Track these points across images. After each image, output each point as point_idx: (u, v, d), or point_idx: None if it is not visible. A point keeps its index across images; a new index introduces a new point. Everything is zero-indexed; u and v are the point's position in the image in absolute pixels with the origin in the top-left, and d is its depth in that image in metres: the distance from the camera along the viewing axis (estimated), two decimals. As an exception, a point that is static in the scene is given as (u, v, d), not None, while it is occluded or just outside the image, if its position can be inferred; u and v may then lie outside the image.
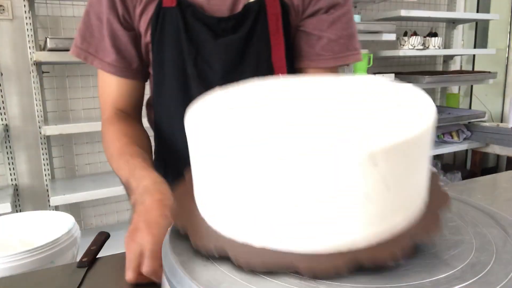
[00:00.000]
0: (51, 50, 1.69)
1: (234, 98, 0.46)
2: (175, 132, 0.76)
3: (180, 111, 0.74)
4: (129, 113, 0.80)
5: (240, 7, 0.72)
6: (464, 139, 2.86)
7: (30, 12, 1.77)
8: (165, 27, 0.72)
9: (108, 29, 0.74)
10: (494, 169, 3.28)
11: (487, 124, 2.90)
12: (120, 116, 0.78)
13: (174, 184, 0.79)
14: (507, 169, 3.13)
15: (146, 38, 0.75)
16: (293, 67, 0.78)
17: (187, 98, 0.73)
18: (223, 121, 0.39)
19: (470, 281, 0.31)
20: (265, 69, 0.73)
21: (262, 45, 0.73)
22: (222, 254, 0.35)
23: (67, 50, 1.70)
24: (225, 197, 0.38)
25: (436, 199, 0.40)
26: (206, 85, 0.71)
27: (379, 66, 2.82)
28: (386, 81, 0.48)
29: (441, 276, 0.32)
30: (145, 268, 0.46)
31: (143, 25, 0.74)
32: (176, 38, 0.72)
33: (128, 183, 0.61)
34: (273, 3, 0.72)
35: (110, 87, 0.78)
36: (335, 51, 0.77)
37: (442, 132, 2.81)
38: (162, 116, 0.78)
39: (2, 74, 1.85)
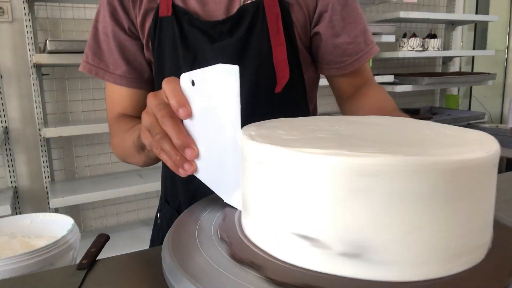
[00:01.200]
0: (50, 52, 1.69)
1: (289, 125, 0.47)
2: None
3: None
4: None
5: (235, 9, 0.71)
6: (464, 140, 2.85)
7: (29, 14, 1.77)
8: (163, 37, 0.71)
9: (115, 41, 0.74)
10: (494, 170, 3.27)
11: (486, 125, 2.90)
12: (129, 115, 0.78)
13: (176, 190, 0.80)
14: (506, 170, 3.13)
15: (149, 50, 0.74)
16: (299, 68, 0.76)
17: None
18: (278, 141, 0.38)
19: None
20: (267, 72, 0.71)
21: (262, 47, 0.70)
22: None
23: (67, 52, 1.71)
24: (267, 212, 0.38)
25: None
26: None
27: (378, 68, 2.83)
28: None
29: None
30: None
31: (144, 36, 0.74)
32: (173, 47, 0.71)
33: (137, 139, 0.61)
34: (272, 3, 0.70)
35: (121, 98, 0.78)
36: (355, 52, 0.76)
37: (442, 134, 2.81)
38: None
39: (1, 77, 1.85)
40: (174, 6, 0.70)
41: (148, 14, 0.72)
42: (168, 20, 0.70)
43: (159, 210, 0.86)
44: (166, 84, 0.47)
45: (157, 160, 0.67)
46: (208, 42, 0.69)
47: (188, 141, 0.47)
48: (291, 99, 0.74)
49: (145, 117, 0.50)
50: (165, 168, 0.84)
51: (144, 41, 0.74)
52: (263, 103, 0.72)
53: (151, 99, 0.49)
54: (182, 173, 0.49)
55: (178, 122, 0.47)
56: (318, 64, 0.80)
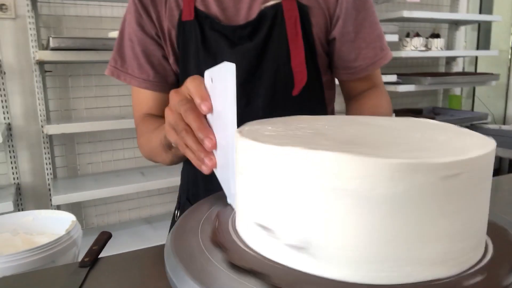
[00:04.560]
0: (53, 49, 1.69)
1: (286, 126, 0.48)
2: None
3: None
4: None
5: (255, 13, 0.72)
6: (466, 140, 2.84)
7: (33, 11, 1.77)
8: (186, 40, 0.73)
9: (141, 47, 0.76)
10: (496, 172, 3.27)
11: (489, 126, 2.89)
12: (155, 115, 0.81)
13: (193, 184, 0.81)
14: (509, 172, 3.12)
15: (174, 54, 0.76)
16: (317, 71, 0.76)
17: None
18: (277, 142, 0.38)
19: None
20: (285, 75, 0.72)
21: (281, 50, 0.71)
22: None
23: (70, 49, 1.71)
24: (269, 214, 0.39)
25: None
26: None
27: (381, 67, 2.82)
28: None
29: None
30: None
31: (169, 41, 0.76)
32: (195, 50, 0.73)
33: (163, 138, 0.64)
34: (290, 7, 0.70)
35: (147, 100, 0.80)
36: (370, 57, 0.77)
37: (444, 134, 2.80)
38: None
39: (5, 73, 1.86)
40: (196, 10, 0.72)
41: (172, 20, 0.74)
42: (191, 24, 0.72)
43: (177, 208, 0.88)
44: (190, 81, 0.50)
45: (183, 158, 0.69)
46: (228, 46, 0.71)
47: (208, 133, 0.48)
48: (309, 101, 0.75)
49: (169, 114, 0.52)
50: (187, 168, 0.85)
51: (169, 46, 0.76)
52: (281, 105, 0.73)
53: (174, 96, 0.51)
54: (205, 170, 0.50)
55: (200, 116, 0.49)
56: (333, 69, 0.81)
